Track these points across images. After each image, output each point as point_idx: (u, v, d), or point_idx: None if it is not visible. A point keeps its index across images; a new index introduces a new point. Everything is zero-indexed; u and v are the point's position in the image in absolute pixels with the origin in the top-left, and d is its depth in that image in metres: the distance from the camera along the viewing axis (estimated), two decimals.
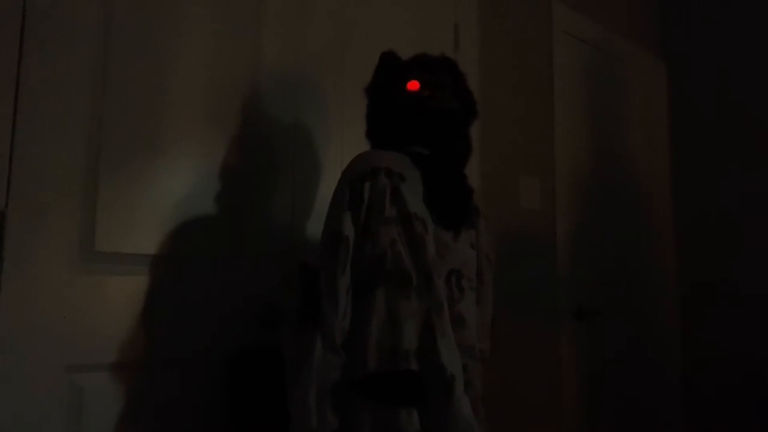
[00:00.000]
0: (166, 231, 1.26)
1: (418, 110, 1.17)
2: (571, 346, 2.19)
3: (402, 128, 1.18)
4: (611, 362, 2.38)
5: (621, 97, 2.63)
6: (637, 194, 2.65)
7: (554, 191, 2.19)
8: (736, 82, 2.62)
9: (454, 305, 1.09)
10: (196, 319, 1.27)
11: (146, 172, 1.25)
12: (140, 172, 1.24)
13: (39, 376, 1.09)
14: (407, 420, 0.96)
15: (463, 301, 1.11)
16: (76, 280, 1.14)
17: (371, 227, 1.01)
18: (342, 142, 1.54)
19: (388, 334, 0.98)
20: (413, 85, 1.18)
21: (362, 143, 1.25)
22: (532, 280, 2.09)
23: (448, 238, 1.11)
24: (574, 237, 2.26)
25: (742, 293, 2.52)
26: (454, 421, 0.98)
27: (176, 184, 1.28)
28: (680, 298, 2.72)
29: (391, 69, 1.23)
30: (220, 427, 1.27)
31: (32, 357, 1.08)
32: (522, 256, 2.06)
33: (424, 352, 0.99)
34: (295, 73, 1.49)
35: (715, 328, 2.60)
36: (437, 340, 0.99)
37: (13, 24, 1.11)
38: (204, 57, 1.35)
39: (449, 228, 1.11)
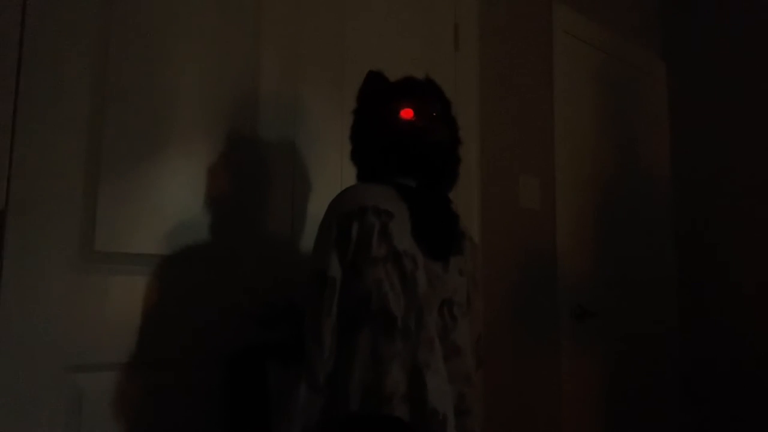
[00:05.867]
0: (166, 231, 1.26)
1: (415, 142, 1.12)
2: (571, 346, 2.19)
3: (393, 158, 1.13)
4: (611, 362, 2.38)
5: (621, 97, 2.63)
6: (637, 194, 2.65)
7: (554, 191, 2.19)
8: (735, 82, 2.62)
9: (449, 335, 1.06)
10: (196, 319, 1.27)
11: (146, 172, 1.25)
12: (140, 172, 1.24)
13: (39, 377, 1.09)
14: None
15: (457, 330, 1.08)
16: (76, 280, 1.14)
17: (358, 267, 0.99)
18: (342, 143, 1.53)
19: (370, 375, 0.95)
20: (407, 114, 1.13)
21: None
22: (532, 280, 2.09)
23: (438, 268, 1.08)
24: (574, 237, 2.26)
25: (742, 293, 2.52)
26: None
27: (176, 184, 1.29)
28: (680, 298, 2.72)
29: (379, 91, 1.18)
30: (220, 427, 1.27)
31: (32, 357, 1.08)
32: (522, 256, 2.06)
33: (413, 396, 0.96)
34: (294, 79, 1.49)
35: (715, 328, 2.60)
36: (426, 381, 0.96)
37: (12, 24, 1.11)
38: (204, 59, 1.34)
39: (438, 258, 1.09)
